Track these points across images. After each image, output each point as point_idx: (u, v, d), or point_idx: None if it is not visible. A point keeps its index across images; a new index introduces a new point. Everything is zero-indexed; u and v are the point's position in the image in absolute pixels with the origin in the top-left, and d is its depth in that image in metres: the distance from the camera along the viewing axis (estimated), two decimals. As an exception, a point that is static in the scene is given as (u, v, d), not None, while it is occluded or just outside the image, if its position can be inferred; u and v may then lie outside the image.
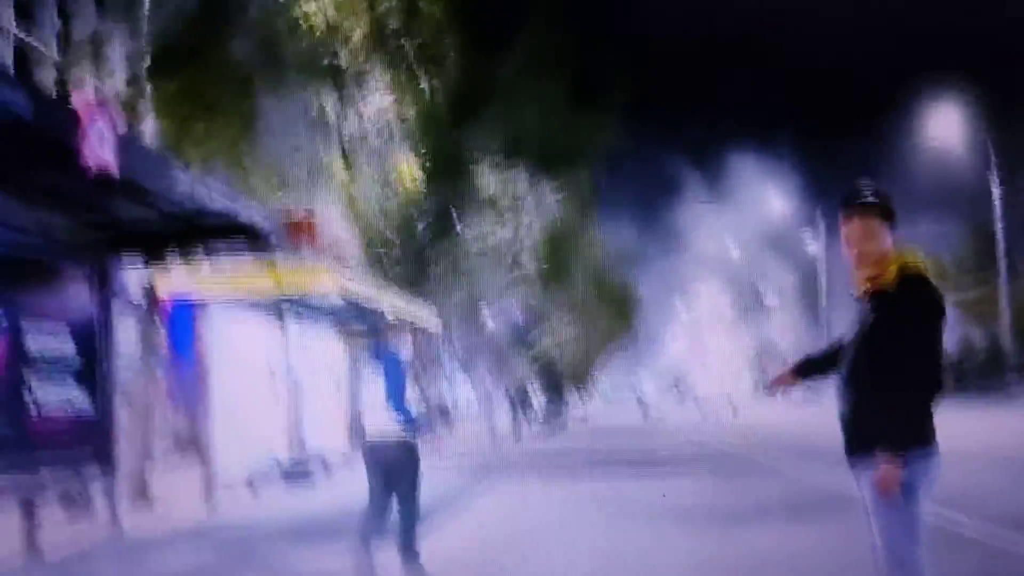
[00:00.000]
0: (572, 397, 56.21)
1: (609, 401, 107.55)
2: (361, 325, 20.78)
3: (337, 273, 15.21)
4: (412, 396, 8.95)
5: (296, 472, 17.51)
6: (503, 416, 40.84)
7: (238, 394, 15.98)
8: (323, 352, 20.47)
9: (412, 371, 9.49)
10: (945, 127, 45.54)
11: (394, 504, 8.79)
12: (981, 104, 45.51)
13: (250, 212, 11.59)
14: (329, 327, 20.45)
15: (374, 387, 8.82)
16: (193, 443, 15.22)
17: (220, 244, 13.97)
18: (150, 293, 14.76)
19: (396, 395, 8.69)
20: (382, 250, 24.06)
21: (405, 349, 9.51)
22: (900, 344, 4.25)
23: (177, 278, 14.72)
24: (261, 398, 17.05)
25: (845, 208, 4.54)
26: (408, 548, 8.71)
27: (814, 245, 70.16)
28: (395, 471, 8.72)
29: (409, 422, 8.80)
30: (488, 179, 28.63)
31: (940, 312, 4.36)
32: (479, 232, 28.08)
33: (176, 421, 16.43)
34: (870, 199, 4.51)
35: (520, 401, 42.39)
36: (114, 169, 8.36)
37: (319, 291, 15.09)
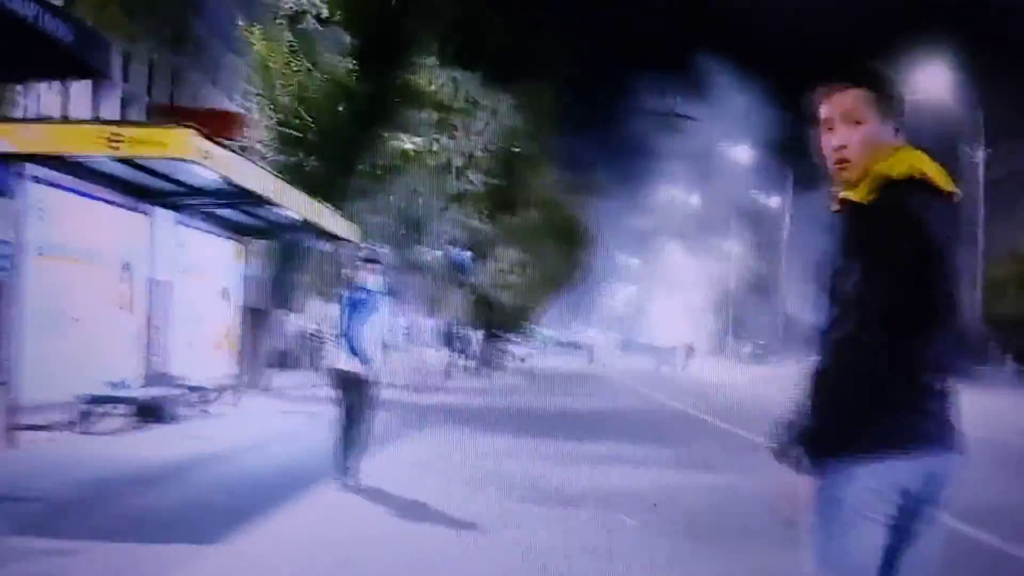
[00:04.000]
0: (512, 337, 52.70)
1: (552, 343, 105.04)
2: (257, 221, 16.80)
3: (210, 142, 11.10)
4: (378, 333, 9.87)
5: (154, 404, 13.63)
6: (435, 352, 37.67)
7: (70, 295, 11.96)
8: (205, 248, 16.43)
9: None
10: (933, 85, 42.63)
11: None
12: (972, 66, 43.15)
13: (82, 35, 7.61)
14: (214, 218, 16.40)
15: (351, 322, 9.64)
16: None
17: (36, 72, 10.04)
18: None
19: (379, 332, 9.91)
20: (296, 133, 19.86)
21: (375, 281, 9.97)
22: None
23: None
24: (106, 301, 13.01)
25: None
26: (351, 463, 9.62)
27: (779, 197, 67.86)
28: (357, 399, 9.67)
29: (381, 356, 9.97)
30: (435, 74, 24.63)
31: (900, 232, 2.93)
32: (419, 132, 24.09)
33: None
34: None
35: (454, 337, 39.17)
36: None
37: (180, 160, 10.92)
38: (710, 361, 72.65)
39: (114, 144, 10.29)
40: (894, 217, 2.96)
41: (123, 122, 12.17)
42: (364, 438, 9.79)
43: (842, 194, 3.14)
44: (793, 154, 65.58)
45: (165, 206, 14.41)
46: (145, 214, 13.97)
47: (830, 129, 3.18)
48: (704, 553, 7.29)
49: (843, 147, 3.15)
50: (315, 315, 38.94)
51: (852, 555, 3.02)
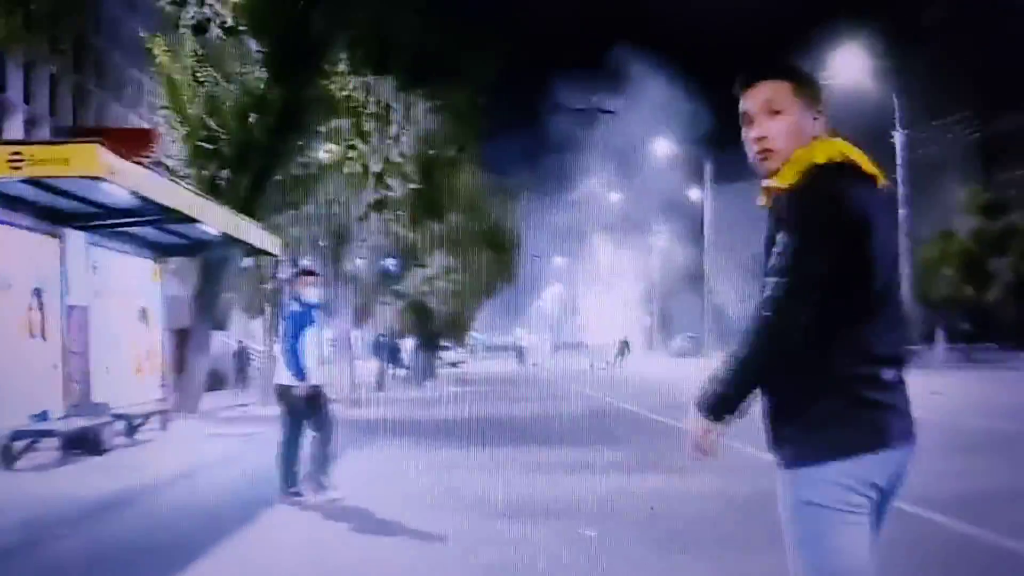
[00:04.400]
0: (444, 343, 52.26)
1: (484, 347, 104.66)
2: (174, 238, 16.23)
3: (117, 157, 10.55)
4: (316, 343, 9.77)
5: (78, 435, 13.00)
6: (365, 363, 37.14)
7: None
8: (121, 270, 15.79)
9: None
10: (851, 70, 43.07)
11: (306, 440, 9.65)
12: (887, 51, 43.80)
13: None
14: (129, 238, 15.80)
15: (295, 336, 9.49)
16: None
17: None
18: None
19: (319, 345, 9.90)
20: (208, 145, 19.25)
21: (313, 294, 9.93)
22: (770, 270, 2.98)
23: None
24: (17, 330, 12.36)
25: None
26: (320, 477, 9.53)
27: (700, 190, 68.22)
28: (309, 413, 9.57)
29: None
30: (347, 80, 24.11)
31: (821, 215, 2.94)
32: (334, 139, 23.59)
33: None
34: None
35: (385, 347, 38.60)
36: None
37: (86, 177, 10.34)
38: (641, 357, 72.85)
39: (15, 164, 9.75)
40: (820, 197, 2.94)
41: (24, 141, 11.57)
42: (327, 450, 9.64)
43: (766, 183, 3.12)
44: (711, 146, 66.05)
45: (76, 228, 13.81)
46: (55, 237, 13.35)
47: (751, 122, 3.19)
48: (672, 562, 6.93)
49: (763, 138, 3.15)
50: (242, 331, 38.20)
51: (844, 556, 2.96)
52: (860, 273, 2.94)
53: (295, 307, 9.78)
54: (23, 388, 12.24)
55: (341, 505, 9.34)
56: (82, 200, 12.57)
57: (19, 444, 11.93)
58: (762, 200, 3.17)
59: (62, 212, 13.12)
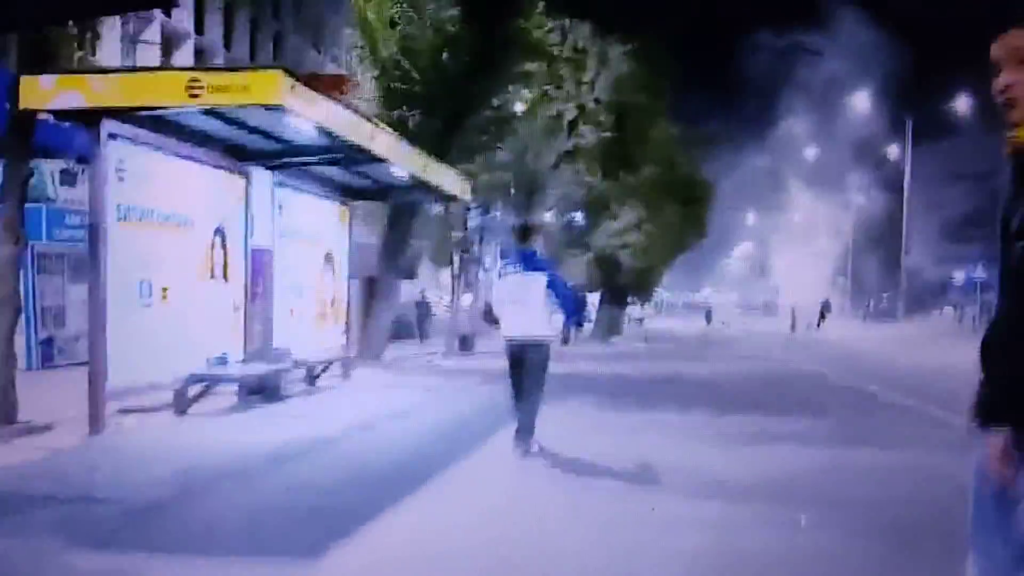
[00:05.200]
0: (631, 299, 51.01)
1: (670, 305, 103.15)
2: (362, 180, 15.63)
3: (302, 85, 9.82)
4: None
5: (256, 381, 12.57)
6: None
7: (158, 264, 10.86)
8: (307, 211, 15.27)
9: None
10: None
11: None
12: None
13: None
14: (317, 179, 15.28)
15: (522, 291, 9.40)
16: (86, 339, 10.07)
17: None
18: (12, 100, 9.46)
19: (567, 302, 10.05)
20: (401, 86, 18.66)
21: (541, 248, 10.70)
22: None
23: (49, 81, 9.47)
24: (198, 271, 11.89)
25: None
26: (527, 428, 9.35)
27: (899, 149, 64.96)
28: (532, 366, 9.44)
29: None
30: (543, 21, 23.13)
31: None
32: (528, 83, 22.70)
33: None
34: None
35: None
36: None
37: (267, 106, 9.62)
38: (836, 320, 69.99)
39: (193, 92, 9.08)
40: None
41: (203, 67, 10.97)
42: (537, 405, 9.53)
43: (1013, 134, 3.02)
44: (914, 102, 62.77)
45: (262, 166, 13.31)
46: (240, 175, 12.84)
47: (999, 70, 3.09)
48: (902, 558, 5.78)
49: (1009, 87, 3.06)
50: (431, 281, 37.97)
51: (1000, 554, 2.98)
52: None
53: (534, 262, 9.60)
54: (202, 330, 11.79)
55: (522, 465, 8.68)
56: (268, 136, 11.99)
57: (195, 388, 11.49)
58: (1007, 150, 3.03)
59: (247, 149, 12.60)
